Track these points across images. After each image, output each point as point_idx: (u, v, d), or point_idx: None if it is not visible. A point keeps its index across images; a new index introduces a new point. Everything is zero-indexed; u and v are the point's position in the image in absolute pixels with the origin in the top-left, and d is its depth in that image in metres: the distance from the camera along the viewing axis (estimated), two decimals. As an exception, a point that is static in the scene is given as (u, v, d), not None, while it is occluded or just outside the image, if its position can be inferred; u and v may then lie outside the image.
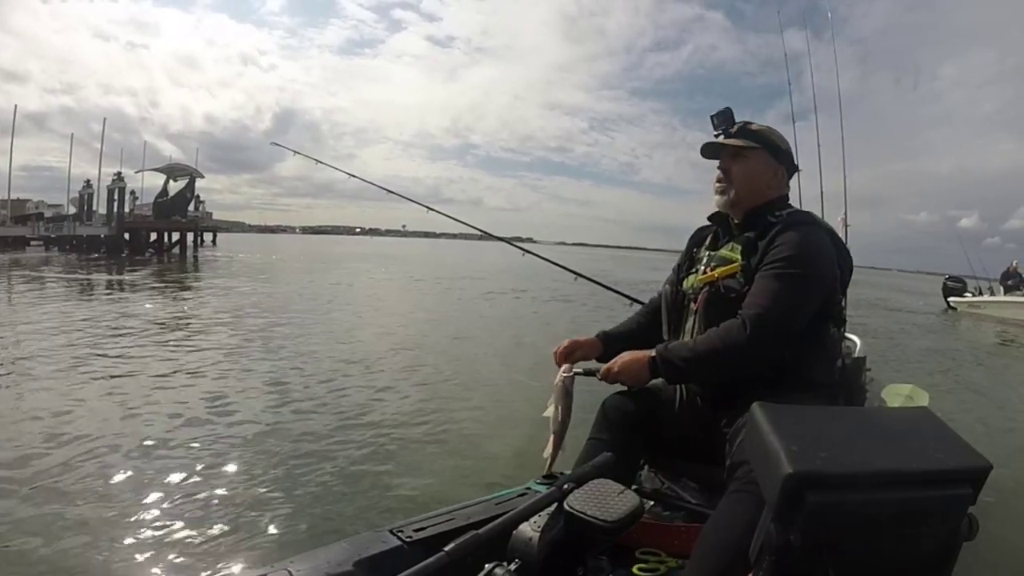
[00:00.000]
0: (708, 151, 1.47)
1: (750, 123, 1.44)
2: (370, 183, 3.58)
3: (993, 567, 2.11)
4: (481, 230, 3.53)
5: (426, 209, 3.26)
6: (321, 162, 3.60)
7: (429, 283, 15.74)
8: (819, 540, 0.74)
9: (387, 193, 3.59)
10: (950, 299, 15.87)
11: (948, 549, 0.81)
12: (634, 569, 1.24)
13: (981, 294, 15.34)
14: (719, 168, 1.45)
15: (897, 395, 2.13)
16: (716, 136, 1.46)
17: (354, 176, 3.62)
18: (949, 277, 16.64)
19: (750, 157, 1.41)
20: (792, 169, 1.48)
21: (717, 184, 1.44)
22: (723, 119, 1.44)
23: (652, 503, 1.44)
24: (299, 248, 41.06)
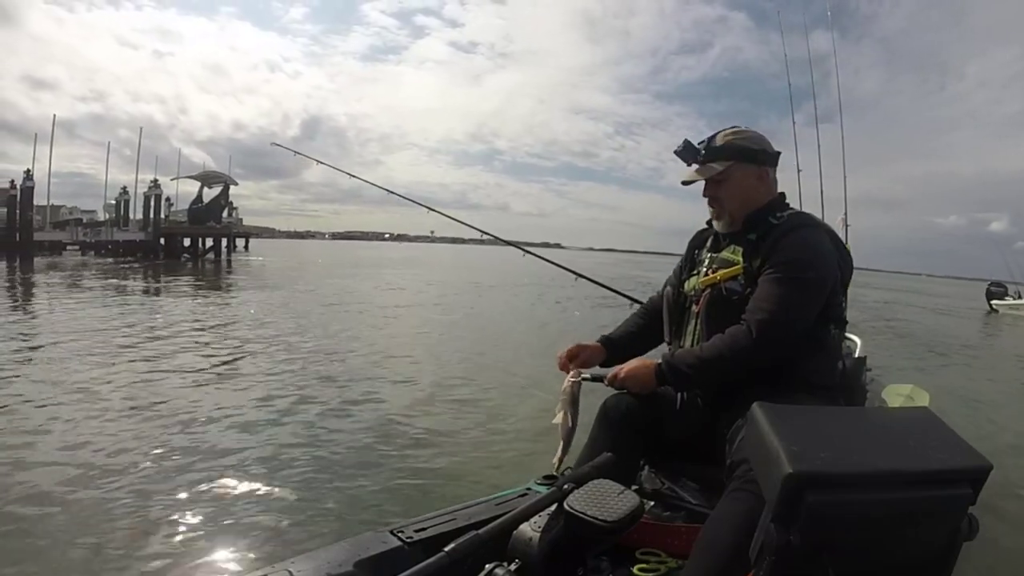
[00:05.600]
0: (688, 184, 1.45)
1: (714, 137, 1.41)
2: (369, 183, 3.62)
3: (993, 567, 2.11)
4: (484, 231, 3.55)
5: (426, 210, 3.28)
6: (321, 162, 3.64)
7: (453, 288, 15.99)
8: (819, 540, 0.74)
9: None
10: (992, 302, 17.60)
11: (948, 549, 0.81)
12: (634, 569, 1.24)
13: (1020, 298, 17.03)
14: (705, 196, 1.44)
15: (897, 395, 2.13)
16: (689, 166, 1.44)
17: (354, 176, 3.68)
18: (992, 283, 18.34)
19: (730, 176, 1.39)
20: (775, 160, 1.45)
21: (711, 210, 1.45)
22: (689, 152, 1.42)
23: (652, 503, 1.43)
24: (330, 253, 41.19)
